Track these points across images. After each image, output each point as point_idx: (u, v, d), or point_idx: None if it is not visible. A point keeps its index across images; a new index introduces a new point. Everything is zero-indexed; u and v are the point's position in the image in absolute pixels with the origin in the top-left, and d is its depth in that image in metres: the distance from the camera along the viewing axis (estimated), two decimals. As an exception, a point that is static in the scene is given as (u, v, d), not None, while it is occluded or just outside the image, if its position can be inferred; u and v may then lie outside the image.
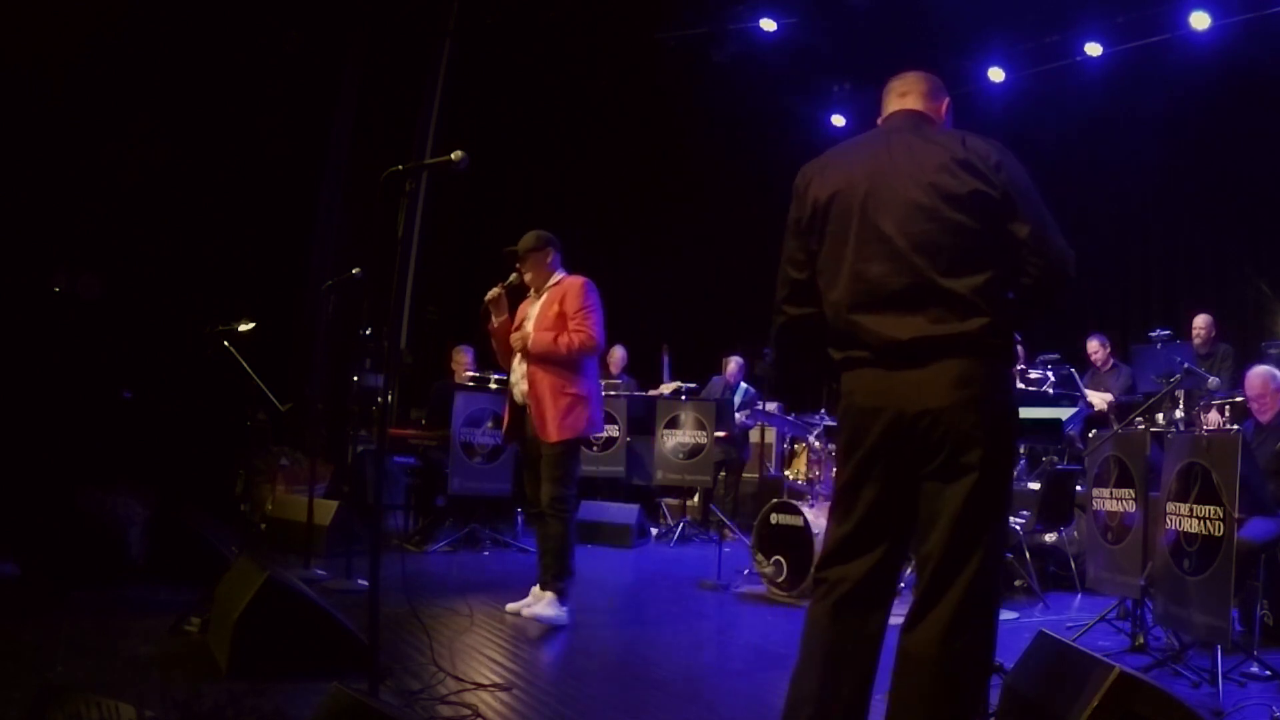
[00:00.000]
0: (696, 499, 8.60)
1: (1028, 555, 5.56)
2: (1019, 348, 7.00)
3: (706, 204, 10.99)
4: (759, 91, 10.30)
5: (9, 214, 6.60)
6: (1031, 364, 6.66)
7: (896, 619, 2.33)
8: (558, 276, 4.68)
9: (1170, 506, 4.03)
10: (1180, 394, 5.48)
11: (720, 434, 7.96)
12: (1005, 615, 4.91)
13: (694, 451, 7.80)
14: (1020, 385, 6.28)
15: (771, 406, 7.90)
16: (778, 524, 5.42)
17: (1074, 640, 3.40)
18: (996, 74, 9.16)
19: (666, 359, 9.50)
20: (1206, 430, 5.20)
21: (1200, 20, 7.81)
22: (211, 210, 7.76)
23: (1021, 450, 6.45)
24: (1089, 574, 4.76)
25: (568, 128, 10.69)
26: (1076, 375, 6.69)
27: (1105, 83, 8.68)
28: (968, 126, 2.53)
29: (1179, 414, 5.51)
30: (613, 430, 7.94)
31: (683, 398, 8.30)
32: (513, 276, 4.69)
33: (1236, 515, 3.64)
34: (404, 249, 9.32)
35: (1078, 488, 5.83)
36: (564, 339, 4.48)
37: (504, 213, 10.12)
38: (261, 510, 6.66)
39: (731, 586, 5.64)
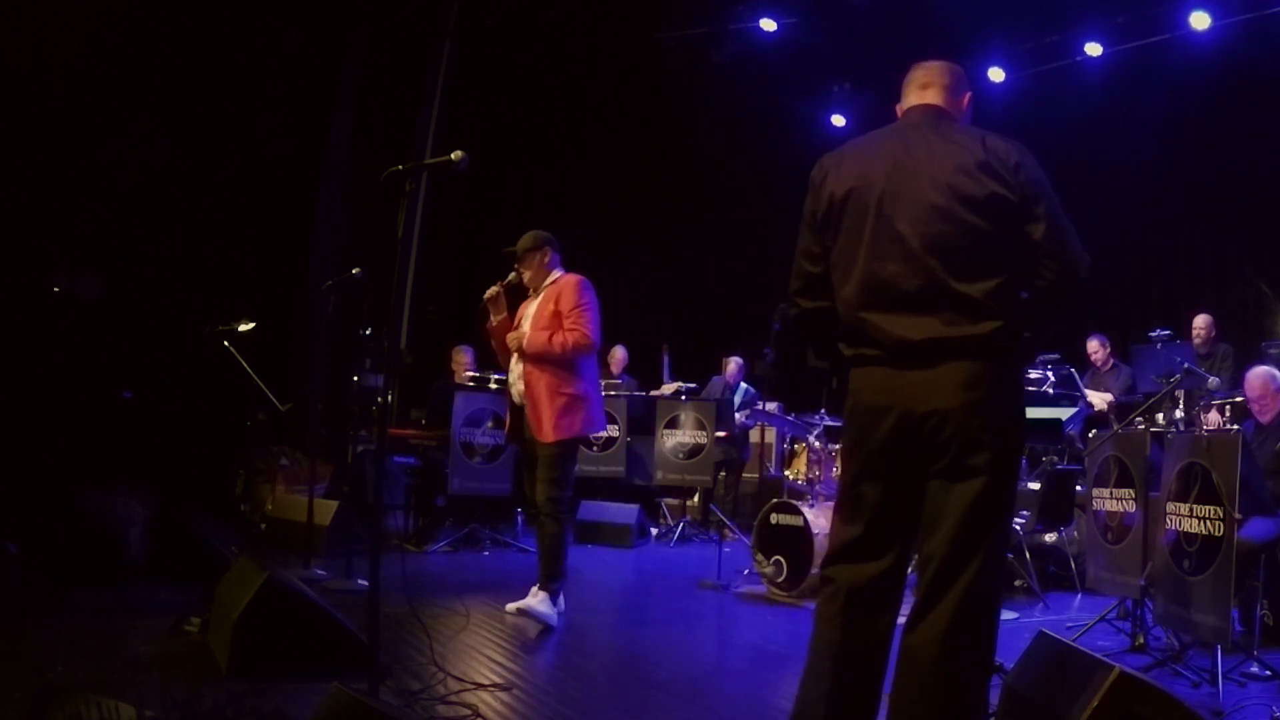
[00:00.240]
0: (696, 499, 8.60)
1: (1028, 555, 5.56)
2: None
3: (706, 204, 11.00)
4: (759, 91, 10.30)
5: (9, 214, 6.60)
6: (1031, 364, 6.66)
7: (899, 618, 2.33)
8: (555, 275, 4.67)
9: (1170, 506, 4.03)
10: (1180, 394, 5.48)
11: (720, 434, 7.96)
12: (1005, 615, 4.91)
13: (694, 451, 7.80)
14: (1024, 384, 6.27)
15: (771, 406, 7.90)
16: (778, 524, 5.42)
17: (1074, 640, 3.40)
18: (996, 74, 9.16)
19: (666, 359, 9.50)
20: (1206, 430, 5.20)
21: (1200, 20, 7.81)
22: (211, 210, 7.76)
23: (1024, 450, 6.44)
24: (1089, 574, 4.76)
25: (568, 128, 10.69)
26: (1076, 375, 6.69)
27: (1105, 83, 8.68)
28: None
29: (1179, 414, 5.51)
30: (613, 430, 7.94)
31: (683, 398, 8.30)
32: (511, 276, 4.68)
33: (1236, 515, 3.64)
34: (404, 249, 9.32)
35: (1078, 488, 5.82)
36: (558, 338, 4.46)
37: (504, 213, 10.13)
38: (261, 510, 6.66)
39: (731, 586, 5.63)
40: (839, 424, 6.07)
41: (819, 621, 2.38)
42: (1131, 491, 4.38)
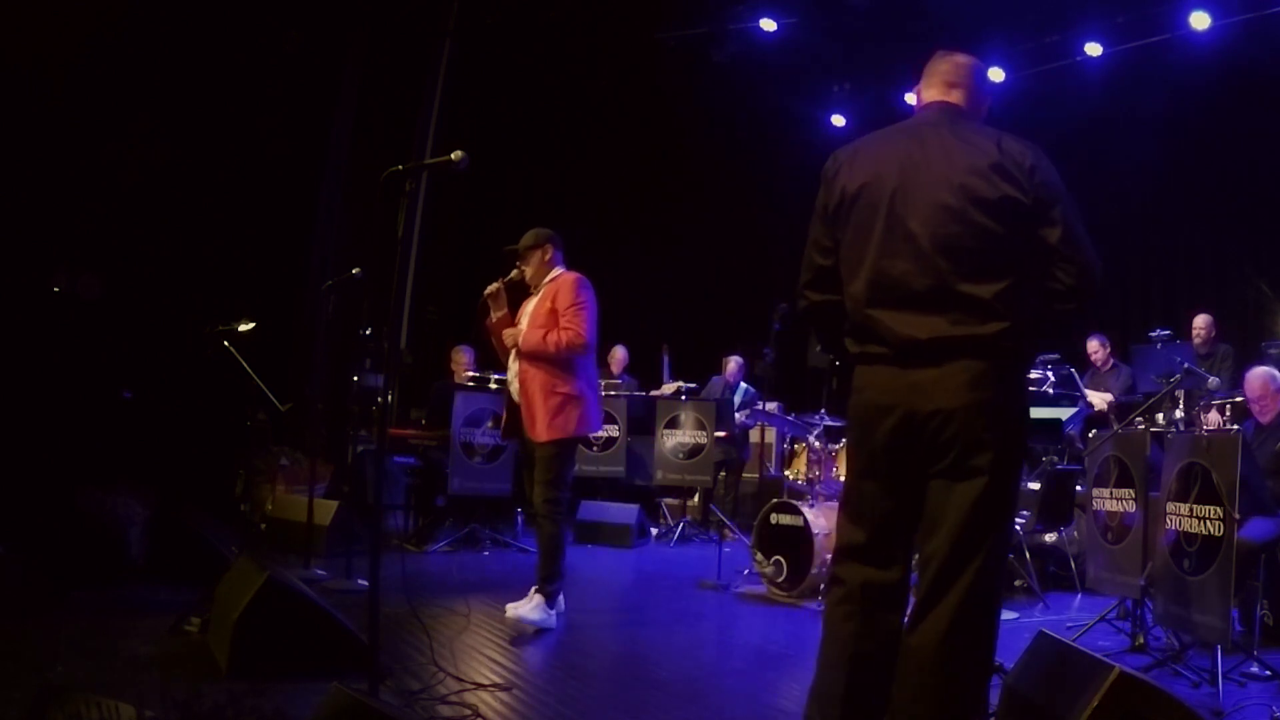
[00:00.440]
0: (696, 499, 8.60)
1: (1028, 555, 5.56)
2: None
3: (706, 204, 11.00)
4: (759, 91, 10.30)
5: (9, 214, 6.60)
6: (1032, 364, 6.65)
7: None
8: (555, 273, 4.63)
9: (1170, 506, 4.03)
10: (1180, 394, 5.48)
11: (720, 434, 7.96)
12: (1005, 615, 4.90)
13: (694, 451, 7.80)
14: (1028, 385, 6.27)
15: (771, 406, 7.90)
16: (778, 524, 5.42)
17: (1074, 640, 3.40)
18: (996, 74, 9.15)
19: (666, 359, 9.50)
20: (1206, 430, 5.20)
21: (1200, 20, 7.81)
22: (211, 210, 7.75)
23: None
24: (1089, 574, 4.76)
25: (568, 128, 10.69)
26: (1076, 375, 6.69)
27: (1105, 83, 8.67)
28: (981, 121, 2.51)
29: (1179, 414, 5.51)
30: (613, 430, 7.94)
31: (683, 398, 8.30)
32: (513, 273, 4.66)
33: (1236, 515, 3.64)
34: (404, 249, 9.32)
35: (1078, 488, 5.83)
36: (552, 336, 4.42)
37: (504, 213, 10.12)
38: (261, 510, 6.66)
39: (731, 586, 5.63)
40: (839, 424, 6.12)
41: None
42: (1131, 491, 4.38)
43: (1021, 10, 8.35)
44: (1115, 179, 9.11)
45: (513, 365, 4.60)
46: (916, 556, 2.38)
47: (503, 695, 3.32)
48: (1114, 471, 4.50)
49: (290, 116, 8.57)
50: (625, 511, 7.39)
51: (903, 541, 2.36)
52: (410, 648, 3.83)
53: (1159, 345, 6.90)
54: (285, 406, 6.61)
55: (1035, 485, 6.01)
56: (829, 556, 5.06)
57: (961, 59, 2.53)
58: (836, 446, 6.04)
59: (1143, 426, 4.74)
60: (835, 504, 5.54)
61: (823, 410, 6.61)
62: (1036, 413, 5.79)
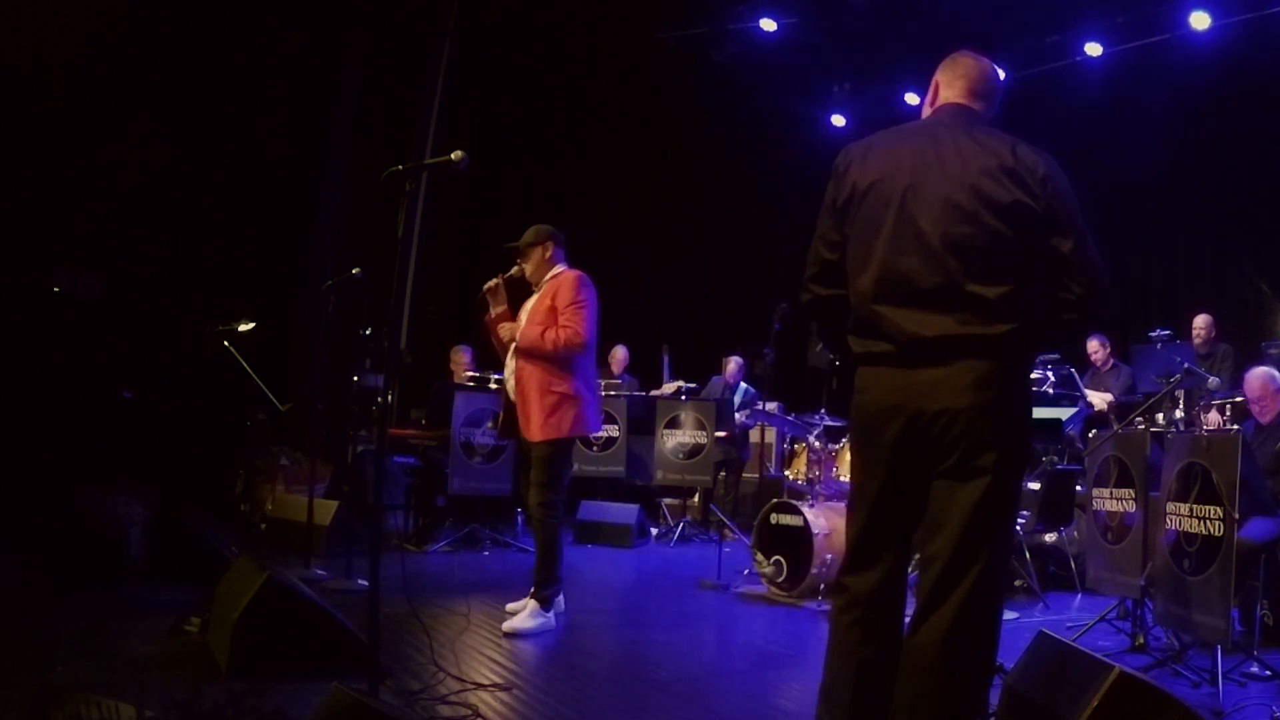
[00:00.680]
0: (696, 499, 8.60)
1: (1028, 555, 5.56)
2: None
3: (706, 204, 11.00)
4: (759, 91, 10.30)
5: (9, 214, 6.60)
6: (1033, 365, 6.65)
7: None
8: (556, 270, 4.58)
9: (1170, 506, 4.03)
10: (1180, 394, 5.48)
11: (720, 434, 7.96)
12: (1005, 615, 4.89)
13: (694, 451, 7.80)
14: (1031, 386, 6.27)
15: (771, 406, 7.90)
16: (778, 524, 5.42)
17: (1074, 640, 3.40)
18: (997, 70, 9.14)
19: (666, 359, 9.50)
20: (1206, 430, 5.20)
21: (1200, 20, 7.80)
22: (211, 210, 7.75)
23: (1026, 451, 6.44)
24: (1089, 574, 4.76)
25: (568, 128, 10.69)
26: (1076, 375, 6.69)
27: (1105, 83, 8.67)
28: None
29: (1179, 414, 5.51)
30: (613, 430, 7.94)
31: (683, 398, 8.30)
32: (514, 269, 4.61)
33: (1236, 515, 3.64)
34: (404, 249, 9.32)
35: (1078, 488, 5.83)
36: (550, 334, 4.37)
37: (504, 213, 10.12)
38: (261, 510, 6.65)
39: (731, 586, 5.63)
40: (839, 424, 6.12)
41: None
42: (1131, 491, 4.38)
43: (1021, 10, 8.35)
44: (1115, 179, 9.12)
45: (510, 362, 4.55)
46: (916, 557, 2.38)
47: (503, 695, 3.32)
48: (1114, 471, 4.50)
49: (290, 116, 8.57)
50: (625, 511, 7.39)
51: (905, 542, 2.36)
52: (410, 648, 3.83)
53: (1159, 345, 6.90)
54: (285, 406, 6.61)
55: (1035, 485, 6.01)
56: (829, 556, 5.10)
57: (986, 65, 2.55)
58: (836, 446, 6.04)
59: (1143, 426, 4.74)
60: (835, 504, 5.55)
61: (823, 410, 6.60)
62: (1036, 413, 5.80)
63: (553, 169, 10.77)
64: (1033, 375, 6.37)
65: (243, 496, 6.87)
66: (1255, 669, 3.82)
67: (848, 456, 5.61)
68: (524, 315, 4.57)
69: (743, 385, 8.97)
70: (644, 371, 9.33)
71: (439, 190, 9.83)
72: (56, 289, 6.89)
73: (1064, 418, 6.14)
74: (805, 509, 5.32)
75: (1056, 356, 6.63)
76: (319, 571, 5.30)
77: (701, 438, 7.78)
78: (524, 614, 4.32)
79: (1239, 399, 5.39)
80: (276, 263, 8.46)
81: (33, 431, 6.03)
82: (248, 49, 7.89)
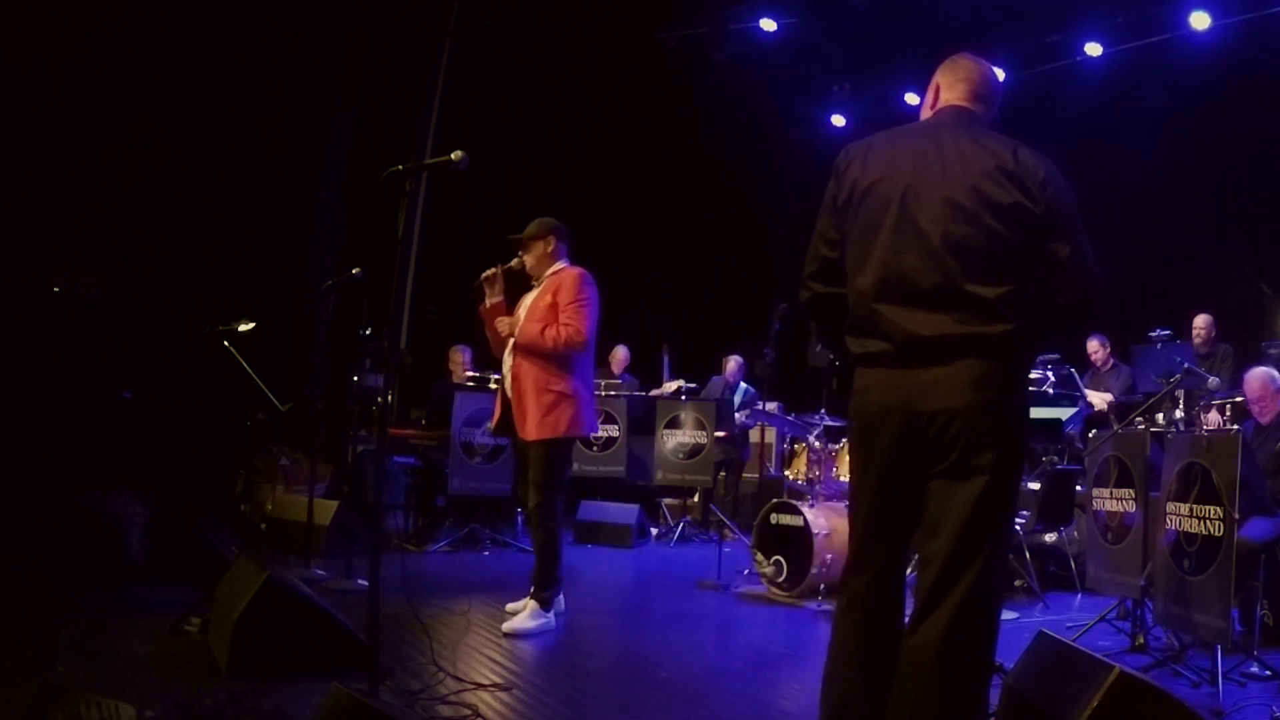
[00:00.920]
0: (696, 499, 8.60)
1: (1028, 555, 5.56)
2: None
3: (706, 204, 11.00)
4: (759, 91, 10.30)
5: (9, 214, 6.60)
6: (1032, 364, 6.64)
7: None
8: (557, 266, 4.51)
9: (1170, 506, 4.03)
10: (1180, 394, 5.48)
11: (720, 434, 7.96)
12: (1005, 615, 4.90)
13: (694, 451, 7.80)
14: (1029, 386, 6.27)
15: (771, 406, 7.90)
16: (778, 524, 5.42)
17: (1074, 640, 3.40)
18: (996, 74, 9.15)
19: (666, 359, 9.50)
20: (1206, 430, 5.20)
21: (1200, 20, 7.81)
22: (211, 210, 7.75)
23: (1025, 450, 6.44)
24: (1089, 574, 4.76)
25: (568, 128, 10.69)
26: (1076, 375, 6.69)
27: (1105, 83, 8.68)
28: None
29: (1179, 414, 5.51)
30: (613, 430, 7.94)
31: (683, 398, 8.30)
32: (514, 261, 4.54)
33: (1236, 515, 3.64)
34: (404, 249, 9.32)
35: (1078, 488, 5.82)
36: (550, 331, 4.30)
37: (504, 213, 10.11)
38: (261, 510, 6.65)
39: (731, 586, 5.63)
40: (839, 424, 6.12)
41: (837, 629, 2.40)
42: (1131, 491, 4.38)
43: (1021, 10, 8.35)
44: (1115, 179, 9.12)
45: (507, 359, 4.48)
46: (916, 557, 2.38)
47: (503, 695, 3.32)
48: (1114, 471, 4.50)
49: (290, 116, 8.57)
50: (625, 511, 7.39)
51: (904, 542, 2.36)
52: (410, 648, 3.83)
53: (1159, 345, 6.90)
54: (285, 406, 6.61)
55: (1035, 485, 6.01)
56: (829, 556, 5.10)
57: (986, 69, 2.55)
58: (836, 446, 6.04)
59: (1143, 426, 4.74)
60: (835, 504, 5.56)
61: (823, 410, 6.60)
62: (1036, 413, 5.80)
63: (553, 169, 10.77)
64: (1033, 375, 6.38)
65: (243, 496, 6.87)
66: (1255, 669, 3.82)
67: (848, 457, 5.60)
68: (522, 310, 4.49)
69: (743, 385, 8.98)
70: (644, 371, 9.33)
71: (439, 190, 9.83)
72: (56, 289, 6.89)
73: (1064, 418, 6.14)
74: (805, 509, 5.32)
75: (1056, 356, 6.63)
76: (319, 571, 5.30)
77: (701, 438, 7.78)
78: (524, 614, 4.30)
79: (1239, 399, 5.39)
80: (276, 263, 8.46)
81: (33, 431, 6.03)
82: (248, 49, 7.89)
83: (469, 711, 3.11)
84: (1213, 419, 5.74)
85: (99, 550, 4.77)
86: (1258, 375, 4.90)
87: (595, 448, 7.91)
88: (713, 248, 11.23)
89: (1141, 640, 4.23)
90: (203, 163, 7.67)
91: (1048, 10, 8.41)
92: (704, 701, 3.39)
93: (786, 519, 5.38)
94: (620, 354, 8.96)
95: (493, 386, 7.04)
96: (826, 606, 4.98)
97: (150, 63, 7.27)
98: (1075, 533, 5.90)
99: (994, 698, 2.88)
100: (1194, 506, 3.86)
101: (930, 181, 2.32)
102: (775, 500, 5.57)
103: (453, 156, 3.24)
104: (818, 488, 5.86)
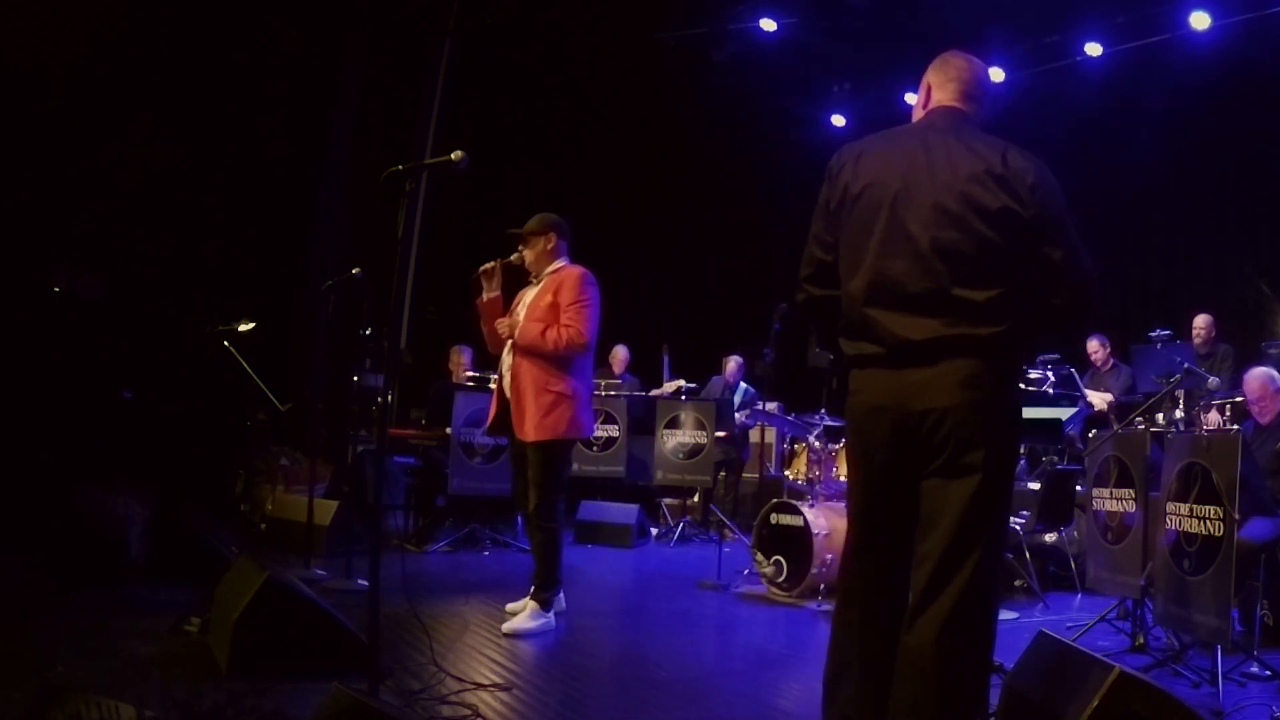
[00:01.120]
0: (696, 499, 8.60)
1: (1028, 555, 5.56)
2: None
3: (706, 204, 11.00)
4: (759, 91, 10.30)
5: (9, 214, 6.60)
6: (1031, 364, 6.66)
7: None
8: (558, 264, 4.45)
9: (1170, 506, 4.03)
10: (1180, 394, 5.48)
11: (720, 434, 7.96)
12: (1005, 615, 4.91)
13: (694, 451, 7.80)
14: (1020, 385, 6.28)
15: (771, 406, 7.90)
16: (778, 524, 5.42)
17: (1074, 640, 3.40)
18: (996, 74, 9.15)
19: (666, 359, 9.50)
20: (1206, 430, 5.20)
21: (1200, 20, 7.81)
22: (211, 210, 7.75)
23: (1021, 450, 6.45)
24: (1089, 574, 4.76)
25: (568, 128, 10.69)
26: (1076, 375, 6.69)
27: (1105, 83, 8.68)
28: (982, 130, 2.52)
29: (1179, 414, 5.51)
30: (613, 430, 7.94)
31: (683, 398, 8.30)
32: (513, 256, 4.47)
33: (1236, 515, 3.64)
34: (404, 249, 9.32)
35: (1078, 488, 5.82)
36: (551, 333, 4.25)
37: (504, 213, 10.09)
38: (261, 510, 6.66)
39: (731, 586, 5.63)
40: (839, 424, 6.12)
41: (837, 631, 2.40)
42: (1131, 491, 4.38)
43: (1021, 10, 8.35)
44: (1115, 179, 9.12)
45: (506, 358, 4.43)
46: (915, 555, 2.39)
47: (503, 695, 3.32)
48: (1114, 471, 4.50)
49: (290, 116, 8.57)
50: (625, 511, 7.39)
51: (901, 541, 2.37)
52: (410, 648, 3.83)
53: (1159, 345, 6.90)
54: (285, 406, 6.61)
55: (1035, 485, 6.01)
56: (829, 556, 5.10)
57: (977, 66, 2.55)
58: (836, 446, 6.04)
59: (1143, 426, 4.74)
60: (835, 504, 5.56)
61: (823, 410, 6.61)
62: (1037, 413, 5.80)
63: (553, 169, 10.77)
64: (1032, 375, 6.39)
65: (243, 496, 6.87)
66: (1255, 669, 3.82)
67: (845, 457, 5.60)
68: (520, 307, 4.45)
69: (743, 385, 8.98)
70: (644, 371, 9.34)
71: (439, 190, 9.83)
72: (56, 289, 6.89)
73: (1064, 418, 6.14)
74: (805, 509, 5.32)
75: (1056, 356, 6.63)
76: (319, 571, 5.30)
77: (701, 438, 7.78)
78: (524, 614, 4.29)
79: (1239, 399, 5.39)
80: (276, 263, 8.46)
81: (33, 431, 6.03)
82: (248, 49, 7.89)
83: (469, 711, 3.11)
84: (1213, 419, 5.74)
85: (99, 550, 4.77)
86: (1257, 375, 4.90)
87: (595, 448, 7.91)
88: (713, 248, 11.23)
89: (1141, 640, 4.23)
90: (203, 163, 7.67)
91: (1048, 10, 8.42)
92: (704, 701, 3.39)
93: (786, 519, 5.38)
94: (620, 354, 8.96)
95: (492, 386, 7.03)
96: (826, 606, 4.98)
97: (150, 63, 7.27)
98: (1075, 533, 5.90)
99: (994, 697, 2.88)
100: (1194, 506, 3.86)
101: (919, 186, 2.33)
102: (775, 500, 5.57)
103: (453, 156, 3.23)
104: (818, 488, 5.86)
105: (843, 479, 5.85)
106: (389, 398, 4.30)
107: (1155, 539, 4.16)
